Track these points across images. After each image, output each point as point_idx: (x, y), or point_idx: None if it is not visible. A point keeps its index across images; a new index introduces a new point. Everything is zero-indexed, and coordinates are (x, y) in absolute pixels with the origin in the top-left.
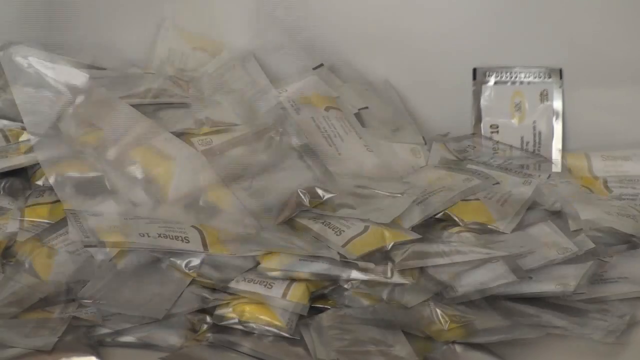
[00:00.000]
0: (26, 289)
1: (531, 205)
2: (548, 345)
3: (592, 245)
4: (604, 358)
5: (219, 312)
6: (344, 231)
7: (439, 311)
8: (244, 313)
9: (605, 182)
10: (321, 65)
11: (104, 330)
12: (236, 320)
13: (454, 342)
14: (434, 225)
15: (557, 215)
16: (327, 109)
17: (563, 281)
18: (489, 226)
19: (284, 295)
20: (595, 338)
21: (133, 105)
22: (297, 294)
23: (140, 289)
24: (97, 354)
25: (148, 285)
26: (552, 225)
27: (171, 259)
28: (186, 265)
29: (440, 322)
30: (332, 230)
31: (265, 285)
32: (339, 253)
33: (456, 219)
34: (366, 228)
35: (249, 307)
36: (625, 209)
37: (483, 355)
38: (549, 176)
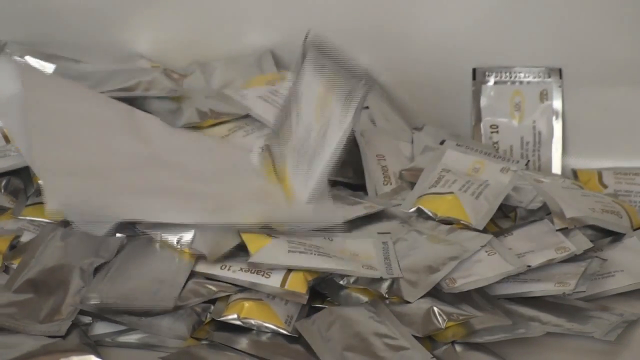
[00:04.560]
0: (40, 274)
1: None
2: (548, 345)
3: (590, 244)
4: (603, 358)
5: (218, 307)
6: None
7: (436, 309)
8: (243, 309)
9: (600, 176)
10: None
11: (105, 330)
12: (235, 317)
13: (454, 342)
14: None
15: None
16: None
17: (562, 280)
18: (462, 222)
19: (282, 284)
20: (596, 336)
21: (121, 98)
22: (295, 283)
23: (143, 280)
24: (97, 354)
25: (150, 274)
26: (550, 225)
27: (162, 234)
28: (178, 242)
29: (438, 321)
30: None
31: (263, 275)
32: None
33: (429, 213)
34: None
35: (248, 304)
36: (609, 204)
37: (483, 355)
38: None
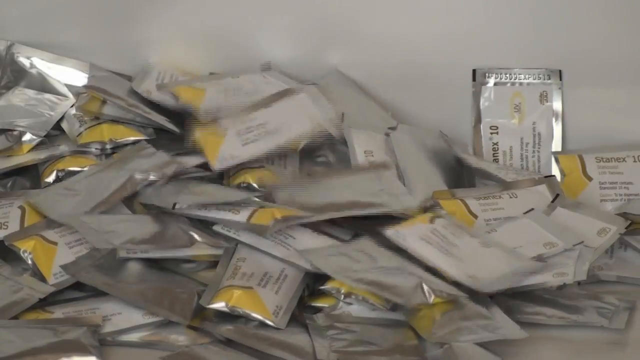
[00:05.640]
0: (27, 290)
1: None
2: (547, 344)
3: (580, 240)
4: (603, 358)
5: (207, 294)
6: None
7: (425, 286)
8: (232, 298)
9: (583, 165)
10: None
11: (106, 329)
12: (223, 305)
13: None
14: None
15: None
16: None
17: (559, 271)
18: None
19: (249, 218)
20: (606, 326)
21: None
22: (261, 217)
23: None
24: (97, 354)
25: None
26: (531, 223)
27: None
28: None
29: (425, 296)
30: None
31: (232, 212)
32: None
33: None
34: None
35: (237, 292)
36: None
37: (483, 354)
38: None
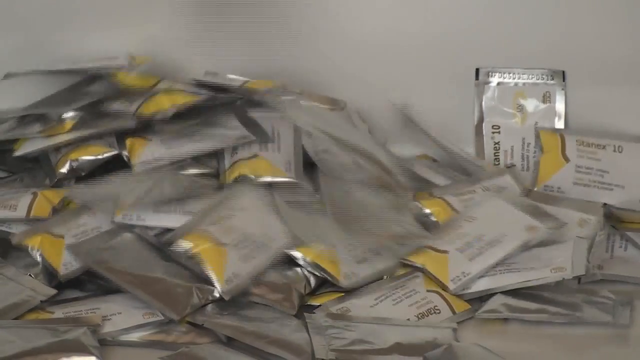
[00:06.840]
0: (28, 292)
1: None
2: (550, 342)
3: (564, 223)
4: (603, 358)
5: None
6: None
7: None
8: (198, 246)
9: (563, 145)
10: None
11: (106, 329)
12: (189, 246)
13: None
14: None
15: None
16: None
17: (557, 265)
18: None
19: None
20: (610, 321)
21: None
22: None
23: None
24: (97, 354)
25: None
26: (505, 204)
27: None
28: None
29: None
30: None
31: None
32: None
33: None
34: None
35: (207, 245)
36: None
37: (483, 354)
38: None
